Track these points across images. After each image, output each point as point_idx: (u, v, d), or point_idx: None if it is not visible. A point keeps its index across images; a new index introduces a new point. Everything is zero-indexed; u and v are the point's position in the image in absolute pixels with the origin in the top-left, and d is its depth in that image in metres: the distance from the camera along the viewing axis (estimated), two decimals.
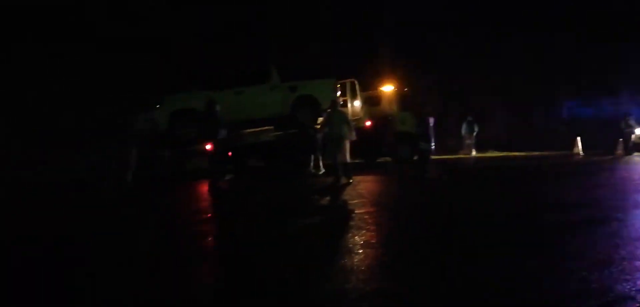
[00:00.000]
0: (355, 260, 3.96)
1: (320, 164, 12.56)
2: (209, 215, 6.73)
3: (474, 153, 20.12)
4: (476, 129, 20.18)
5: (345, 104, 13.65)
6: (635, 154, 17.67)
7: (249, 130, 13.02)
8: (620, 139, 18.27)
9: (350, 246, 4.47)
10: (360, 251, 4.25)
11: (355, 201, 7.42)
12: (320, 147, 12.28)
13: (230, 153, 12.23)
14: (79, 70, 19.12)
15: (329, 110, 10.86)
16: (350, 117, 11.86)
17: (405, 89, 16.80)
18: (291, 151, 13.86)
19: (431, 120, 12.84)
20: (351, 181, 9.88)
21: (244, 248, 4.79)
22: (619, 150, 18.20)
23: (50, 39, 19.12)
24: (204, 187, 10.43)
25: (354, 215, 6.15)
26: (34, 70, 18.52)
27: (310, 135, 12.57)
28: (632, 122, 18.03)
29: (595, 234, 4.72)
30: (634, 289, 3.05)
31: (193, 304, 3.18)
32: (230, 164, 11.77)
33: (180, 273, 3.89)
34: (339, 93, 13.05)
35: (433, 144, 13.14)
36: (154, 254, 4.62)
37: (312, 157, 12.73)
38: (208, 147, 13.46)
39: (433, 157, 13.68)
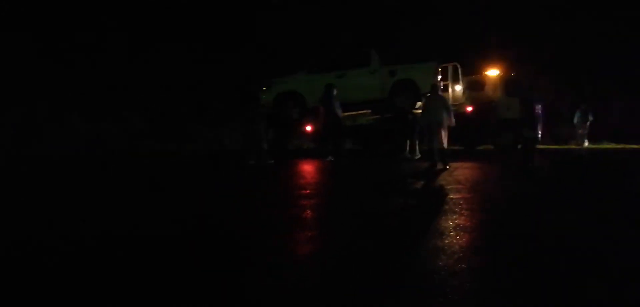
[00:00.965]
0: (446, 241, 4.10)
1: (417, 148, 12.56)
2: (308, 191, 7.20)
3: (586, 144, 18.64)
4: (590, 118, 18.63)
5: (446, 89, 13.38)
6: None
7: (346, 113, 13.40)
8: None
9: (442, 228, 4.60)
10: (452, 233, 4.37)
11: (451, 186, 7.44)
12: (418, 132, 12.26)
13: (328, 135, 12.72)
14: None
15: (428, 94, 10.81)
16: (450, 102, 11.64)
17: (512, 74, 16.05)
18: (387, 135, 14.01)
19: (538, 107, 12.19)
20: (448, 167, 9.81)
21: (338, 224, 5.14)
22: None
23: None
24: (306, 166, 11.02)
25: (448, 200, 6.22)
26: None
27: (407, 119, 12.59)
28: None
29: None
30: None
31: (292, 267, 3.59)
32: (330, 145, 12.23)
33: (281, 241, 4.34)
34: (440, 77, 12.85)
35: (539, 132, 12.47)
36: (264, 221, 5.17)
37: (408, 142, 12.76)
38: (308, 128, 14.13)
39: (540, 146, 12.99)
